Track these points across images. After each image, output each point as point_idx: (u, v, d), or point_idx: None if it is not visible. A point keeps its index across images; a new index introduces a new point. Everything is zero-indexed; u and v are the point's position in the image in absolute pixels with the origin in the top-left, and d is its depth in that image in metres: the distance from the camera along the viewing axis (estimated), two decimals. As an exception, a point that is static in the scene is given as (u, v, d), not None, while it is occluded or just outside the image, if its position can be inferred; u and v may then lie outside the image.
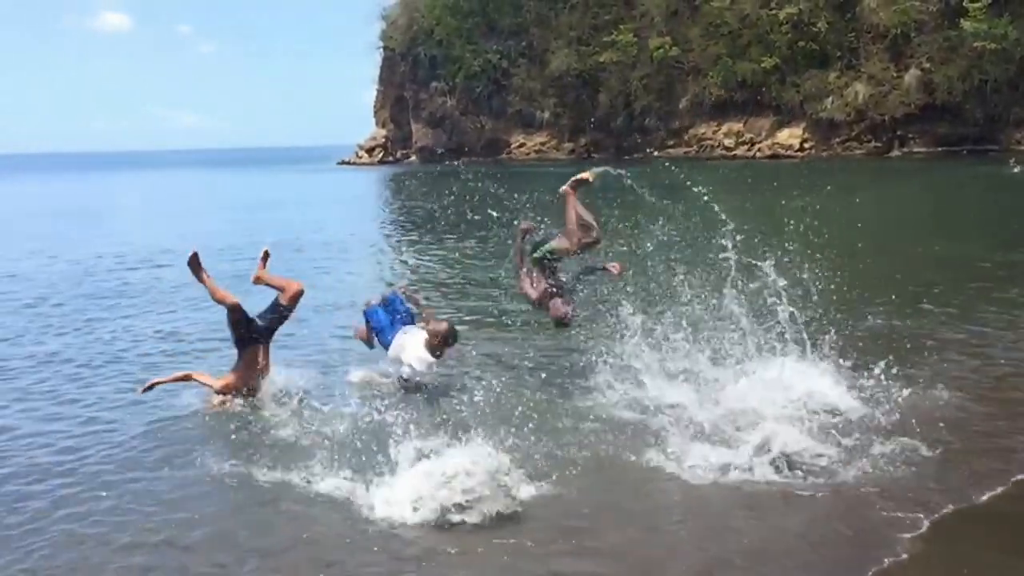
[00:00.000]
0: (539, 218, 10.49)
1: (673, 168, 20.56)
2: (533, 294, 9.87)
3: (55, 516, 6.86)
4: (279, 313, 9.69)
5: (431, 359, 9.67)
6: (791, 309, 9.61)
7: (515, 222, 10.42)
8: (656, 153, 74.62)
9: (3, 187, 77.26)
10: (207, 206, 46.93)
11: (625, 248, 14.51)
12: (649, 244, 11.61)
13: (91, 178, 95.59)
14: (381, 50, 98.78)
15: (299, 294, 9.74)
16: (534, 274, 9.90)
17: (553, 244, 9.90)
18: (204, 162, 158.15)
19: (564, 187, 10.04)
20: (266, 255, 10.18)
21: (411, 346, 9.75)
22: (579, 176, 10.11)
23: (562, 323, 9.90)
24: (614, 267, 10.09)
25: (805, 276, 11.06)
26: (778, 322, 9.61)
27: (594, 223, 9.94)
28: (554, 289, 9.81)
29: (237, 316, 9.45)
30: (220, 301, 9.56)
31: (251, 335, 9.51)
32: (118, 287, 17.92)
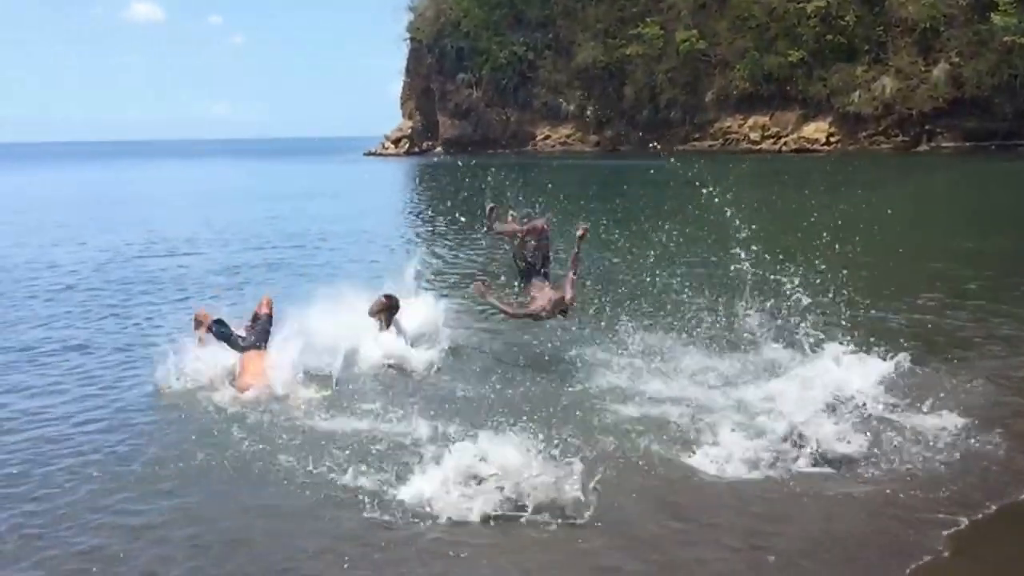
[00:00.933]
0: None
1: (676, 163, 20.52)
2: (532, 309, 10.14)
3: (89, 502, 6.94)
4: (265, 319, 10.23)
5: (385, 333, 10.61)
6: (820, 335, 9.60)
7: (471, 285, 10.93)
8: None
9: (37, 176, 77.73)
10: (235, 195, 47.06)
11: (619, 260, 14.48)
12: (651, 252, 11.53)
13: (123, 167, 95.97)
14: (408, 41, 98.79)
15: (271, 300, 10.57)
16: (527, 298, 10.32)
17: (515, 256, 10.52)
18: (234, 152, 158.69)
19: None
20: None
21: (379, 343, 10.58)
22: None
23: (563, 309, 10.14)
24: (579, 232, 10.35)
25: (841, 273, 11.01)
26: (800, 337, 9.61)
27: (515, 227, 10.47)
28: (540, 297, 10.12)
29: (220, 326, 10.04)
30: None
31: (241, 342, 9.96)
32: (148, 275, 18.03)
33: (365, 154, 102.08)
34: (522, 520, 6.35)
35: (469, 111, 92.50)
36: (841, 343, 9.38)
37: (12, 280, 17.64)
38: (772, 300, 10.52)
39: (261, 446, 7.87)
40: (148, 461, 7.71)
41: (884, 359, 9.15)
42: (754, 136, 77.15)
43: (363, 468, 7.16)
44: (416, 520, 6.40)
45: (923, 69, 69.03)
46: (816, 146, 73.03)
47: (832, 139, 73.22)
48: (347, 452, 7.51)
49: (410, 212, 35.99)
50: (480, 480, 6.56)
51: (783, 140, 75.54)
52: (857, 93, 70.96)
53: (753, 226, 10.66)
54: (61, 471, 7.51)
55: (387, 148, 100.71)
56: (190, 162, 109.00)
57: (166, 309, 14.16)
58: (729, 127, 78.99)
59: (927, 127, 69.45)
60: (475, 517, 6.38)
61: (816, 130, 74.15)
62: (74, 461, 7.73)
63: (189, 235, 25.01)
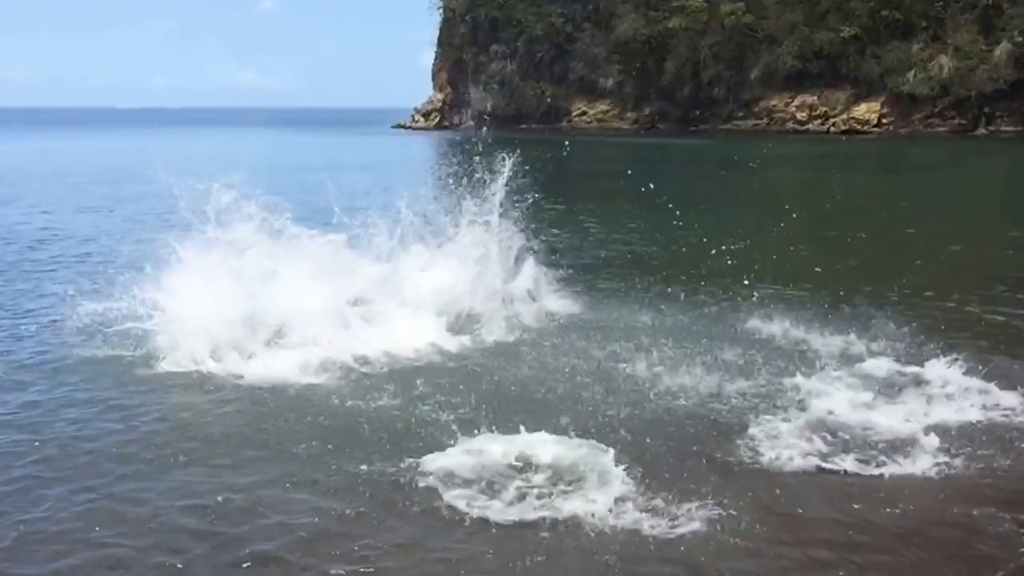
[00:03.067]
0: None
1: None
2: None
3: (118, 486, 6.80)
4: None
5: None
6: (883, 328, 9.49)
7: None
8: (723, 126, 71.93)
9: (64, 143, 76.89)
10: (260, 166, 45.88)
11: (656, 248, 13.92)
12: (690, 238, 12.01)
13: (147, 135, 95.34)
14: (440, 11, 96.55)
15: None
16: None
17: None
18: (261, 121, 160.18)
19: None
20: None
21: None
22: None
23: None
24: None
25: (900, 263, 11.96)
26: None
27: None
28: None
29: None
30: None
31: None
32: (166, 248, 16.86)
33: (393, 127, 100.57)
34: (573, 518, 6.04)
35: (503, 84, 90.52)
36: (907, 337, 9.29)
37: (43, 247, 17.75)
38: (823, 290, 10.59)
39: (287, 427, 7.81)
40: (179, 443, 7.58)
41: (955, 355, 8.89)
42: (801, 116, 74.76)
43: (393, 452, 7.06)
44: (459, 513, 6.15)
45: (984, 48, 66.37)
46: (866, 128, 70.81)
47: (884, 120, 71.00)
48: (377, 435, 7.45)
49: (443, 189, 34.27)
50: (522, 476, 6.47)
51: (831, 121, 73.25)
52: (912, 72, 68.43)
53: (801, 211, 9.77)
54: (84, 455, 7.36)
55: (417, 121, 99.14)
56: (218, 131, 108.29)
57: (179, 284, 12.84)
58: (775, 106, 76.56)
59: (986, 110, 67.03)
60: (514, 509, 6.11)
61: (867, 111, 71.72)
62: (96, 445, 7.57)
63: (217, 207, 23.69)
